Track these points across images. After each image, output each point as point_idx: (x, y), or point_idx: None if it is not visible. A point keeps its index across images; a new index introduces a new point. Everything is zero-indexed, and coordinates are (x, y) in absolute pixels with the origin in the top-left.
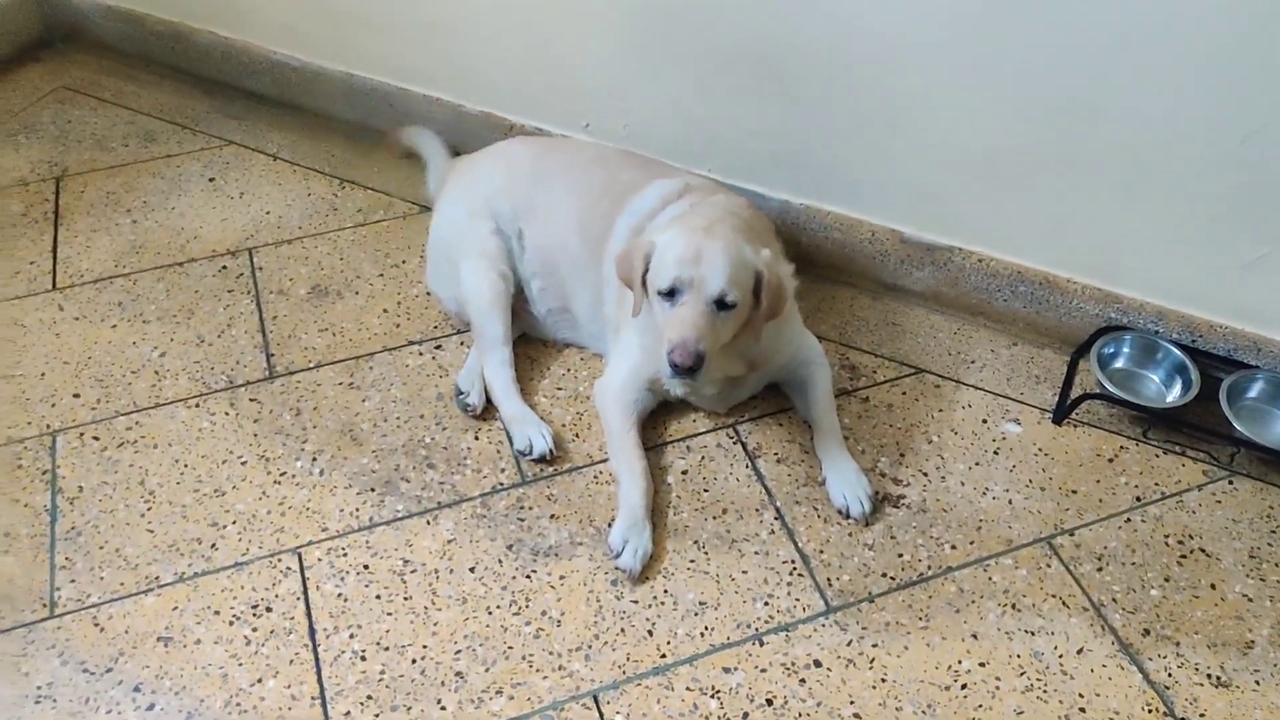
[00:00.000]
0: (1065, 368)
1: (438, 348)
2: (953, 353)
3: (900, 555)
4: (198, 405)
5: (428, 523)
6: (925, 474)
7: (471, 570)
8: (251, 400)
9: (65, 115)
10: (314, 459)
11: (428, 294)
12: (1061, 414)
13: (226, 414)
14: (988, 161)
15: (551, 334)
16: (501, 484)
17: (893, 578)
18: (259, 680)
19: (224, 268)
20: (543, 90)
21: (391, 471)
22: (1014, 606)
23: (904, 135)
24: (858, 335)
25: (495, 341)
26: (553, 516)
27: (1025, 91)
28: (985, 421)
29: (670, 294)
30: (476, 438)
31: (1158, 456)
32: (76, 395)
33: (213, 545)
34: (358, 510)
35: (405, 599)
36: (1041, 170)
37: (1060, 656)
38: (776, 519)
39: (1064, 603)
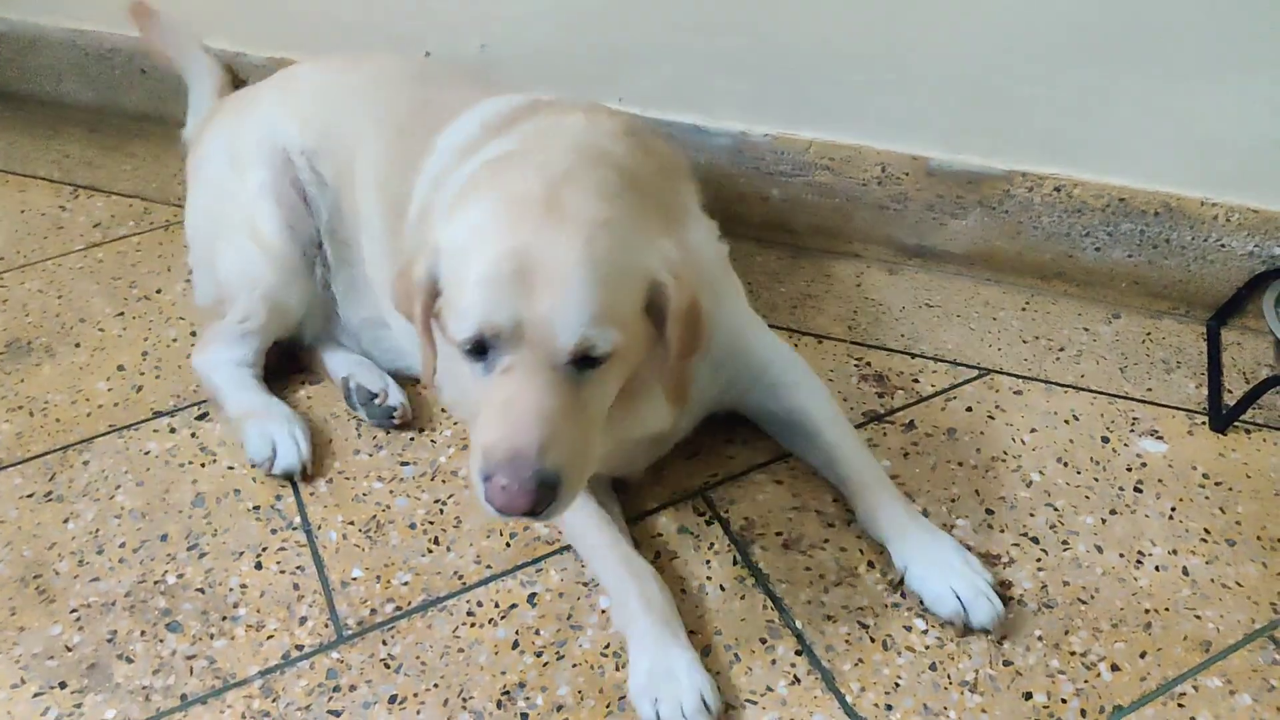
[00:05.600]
0: (1204, 343)
1: (202, 418)
2: (1028, 339)
3: (1028, 697)
4: None
5: None
6: (1035, 539)
7: None
8: None
9: None
10: None
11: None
12: (1226, 415)
13: None
14: (1073, 27)
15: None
16: (301, 646)
17: None
18: None
19: None
20: (356, 6)
21: (101, 645)
22: None
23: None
24: (876, 328)
25: (243, 328)
26: (396, 700)
27: None
28: (1107, 441)
29: (479, 351)
30: (259, 564)
31: None
32: None
33: None
34: None
35: None
36: (1170, 28)
37: None
38: (799, 653)
39: None
